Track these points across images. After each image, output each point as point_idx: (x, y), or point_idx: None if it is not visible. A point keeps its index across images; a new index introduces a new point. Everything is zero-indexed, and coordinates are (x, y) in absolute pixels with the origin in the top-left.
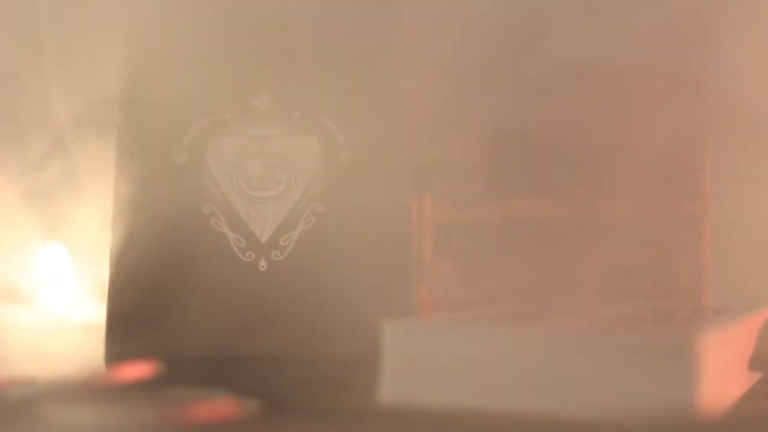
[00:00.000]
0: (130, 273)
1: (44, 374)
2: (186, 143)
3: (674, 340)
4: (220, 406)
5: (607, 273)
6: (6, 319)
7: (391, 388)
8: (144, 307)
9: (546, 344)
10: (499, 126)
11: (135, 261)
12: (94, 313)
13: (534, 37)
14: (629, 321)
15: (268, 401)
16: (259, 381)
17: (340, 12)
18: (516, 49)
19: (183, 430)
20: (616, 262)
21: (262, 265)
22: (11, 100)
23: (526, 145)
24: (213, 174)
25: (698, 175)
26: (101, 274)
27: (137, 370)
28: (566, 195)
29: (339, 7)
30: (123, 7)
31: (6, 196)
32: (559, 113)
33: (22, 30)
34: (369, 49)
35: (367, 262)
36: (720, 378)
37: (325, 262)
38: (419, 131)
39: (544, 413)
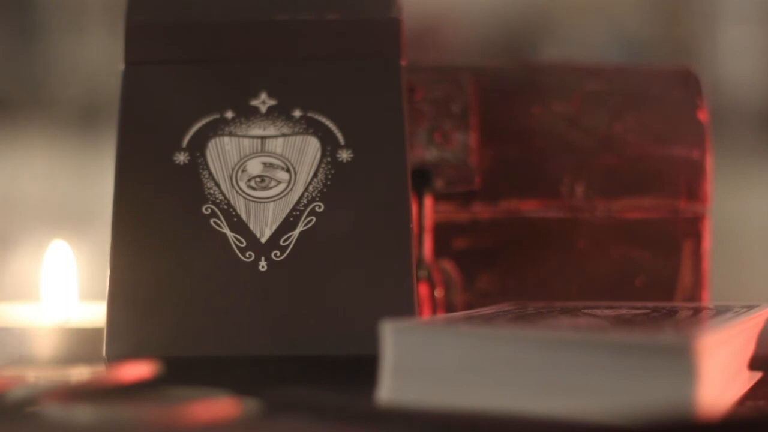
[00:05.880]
0: (130, 273)
1: (44, 374)
2: (186, 143)
3: (674, 340)
4: (220, 406)
5: (607, 273)
6: (7, 318)
7: (391, 388)
8: (144, 307)
9: (546, 344)
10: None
11: (135, 261)
12: (94, 313)
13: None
14: (629, 321)
15: (268, 401)
16: (259, 381)
17: (340, 11)
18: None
19: (183, 430)
20: (617, 262)
21: (262, 265)
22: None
23: (526, 144)
24: (213, 174)
25: (698, 175)
26: (102, 273)
27: (137, 370)
28: (566, 195)
29: (340, 7)
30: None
31: (9, 194)
32: (558, 112)
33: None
34: (368, 48)
35: (367, 261)
36: (720, 378)
37: (325, 262)
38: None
39: (544, 413)
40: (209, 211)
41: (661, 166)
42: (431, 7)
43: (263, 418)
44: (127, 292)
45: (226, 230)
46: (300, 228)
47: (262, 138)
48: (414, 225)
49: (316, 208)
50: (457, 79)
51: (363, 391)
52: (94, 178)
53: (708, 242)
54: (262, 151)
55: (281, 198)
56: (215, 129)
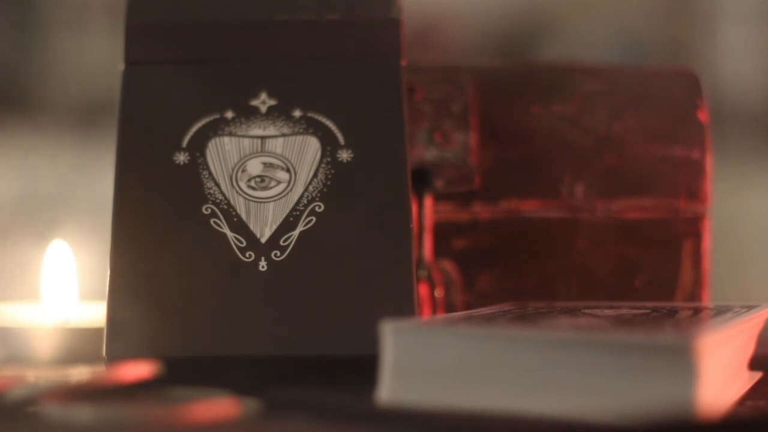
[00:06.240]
0: (130, 272)
1: (44, 374)
2: (186, 143)
3: (674, 340)
4: (220, 406)
5: (607, 273)
6: (7, 317)
7: (391, 388)
8: (144, 306)
9: (546, 344)
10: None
11: (135, 261)
12: (94, 313)
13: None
14: (629, 321)
15: (268, 401)
16: (259, 381)
17: (340, 11)
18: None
19: (183, 430)
20: (617, 263)
21: (262, 265)
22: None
23: (526, 144)
24: (213, 174)
25: (698, 175)
26: (102, 273)
27: (137, 370)
28: (566, 195)
29: (340, 7)
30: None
31: (10, 194)
32: (558, 112)
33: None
34: (368, 48)
35: (367, 261)
36: (720, 378)
37: (325, 262)
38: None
39: (544, 413)
40: (209, 211)
41: (661, 166)
42: (431, 7)
43: (263, 418)
44: (127, 291)
45: (226, 230)
46: (300, 228)
47: (262, 138)
48: (414, 225)
49: (316, 208)
50: (457, 79)
51: (363, 391)
52: (94, 178)
53: (708, 242)
54: (262, 151)
55: (281, 198)
56: (215, 129)
